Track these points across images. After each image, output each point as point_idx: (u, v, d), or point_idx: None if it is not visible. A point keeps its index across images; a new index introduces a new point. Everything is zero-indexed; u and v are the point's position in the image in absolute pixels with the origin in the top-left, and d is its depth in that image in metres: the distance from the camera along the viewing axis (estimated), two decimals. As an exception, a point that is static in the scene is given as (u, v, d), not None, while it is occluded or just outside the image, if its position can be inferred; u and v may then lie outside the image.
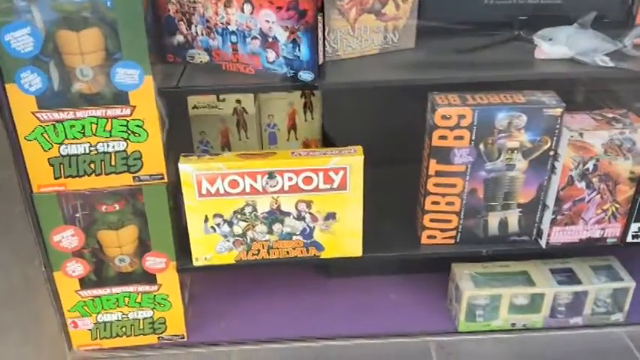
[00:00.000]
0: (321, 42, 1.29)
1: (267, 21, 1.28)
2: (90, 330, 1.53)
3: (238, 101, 1.58)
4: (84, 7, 1.19)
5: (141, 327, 1.55)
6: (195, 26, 1.36)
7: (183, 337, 1.58)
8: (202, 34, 1.37)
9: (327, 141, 1.74)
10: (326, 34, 1.38)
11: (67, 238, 1.39)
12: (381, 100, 1.69)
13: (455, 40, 1.48)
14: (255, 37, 1.31)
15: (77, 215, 1.40)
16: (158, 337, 1.57)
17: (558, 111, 1.30)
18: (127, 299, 1.50)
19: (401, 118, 1.60)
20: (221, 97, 1.57)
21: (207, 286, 1.73)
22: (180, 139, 1.59)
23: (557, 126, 1.31)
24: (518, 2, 1.46)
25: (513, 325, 1.58)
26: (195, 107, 1.60)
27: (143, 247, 1.45)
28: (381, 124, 1.84)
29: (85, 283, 1.47)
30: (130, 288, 1.49)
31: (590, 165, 1.35)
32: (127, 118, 1.28)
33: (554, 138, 1.33)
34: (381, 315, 1.64)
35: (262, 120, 1.67)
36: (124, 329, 1.54)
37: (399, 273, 1.77)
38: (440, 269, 1.66)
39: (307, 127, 1.70)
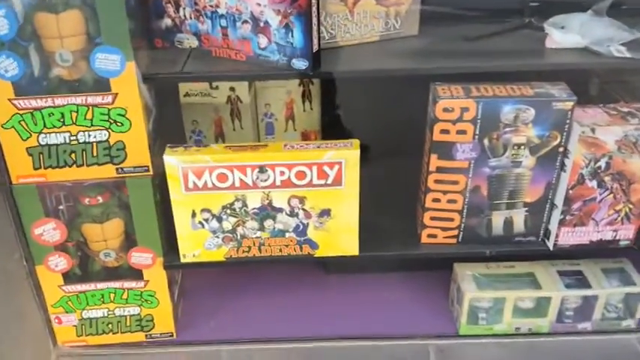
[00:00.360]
0: (315, 28, 1.20)
1: (259, 4, 1.20)
2: (75, 326, 1.47)
3: (232, 89, 1.51)
4: (62, -11, 1.12)
5: (128, 324, 1.49)
6: (184, 9, 1.29)
7: (172, 335, 1.52)
8: (191, 18, 1.29)
9: (327, 132, 1.66)
10: (322, 19, 1.30)
11: (49, 231, 1.33)
12: (384, 89, 1.62)
13: (461, 27, 1.40)
14: (245, 22, 1.23)
15: (60, 207, 1.33)
16: (146, 335, 1.51)
17: (569, 104, 1.21)
18: (112, 295, 1.44)
19: (405, 108, 1.51)
20: (214, 84, 1.50)
21: (199, 282, 1.66)
22: (172, 128, 1.53)
23: (568, 121, 1.23)
24: (530, -14, 1.36)
25: (518, 329, 1.50)
26: (186, 95, 1.52)
27: (130, 241, 1.38)
28: (384, 115, 1.76)
29: (69, 277, 1.41)
30: (116, 284, 1.43)
31: (602, 163, 1.26)
32: (109, 107, 1.21)
33: (564, 133, 1.24)
34: (379, 315, 1.57)
35: (259, 109, 1.59)
36: (110, 326, 1.48)
37: (399, 270, 1.70)
38: (442, 267, 1.58)
39: (306, 117, 1.62)
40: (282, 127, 1.62)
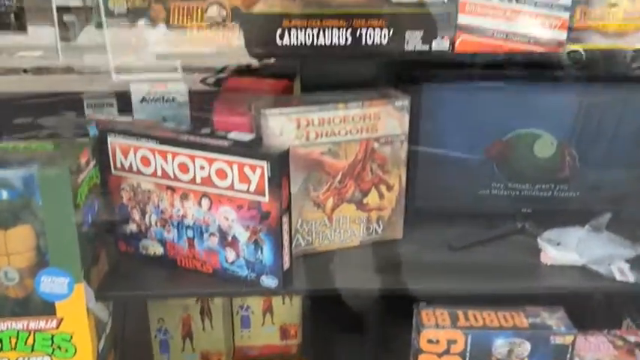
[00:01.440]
0: (287, 244, 1.11)
1: (227, 218, 1.11)
2: None
3: (204, 287, 1.39)
4: (13, 205, 1.03)
5: None
6: (150, 216, 1.20)
7: None
8: (157, 225, 1.20)
9: (308, 325, 1.53)
10: (298, 226, 1.21)
11: None
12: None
13: (448, 231, 1.30)
14: (213, 234, 1.14)
15: None
16: None
17: (569, 339, 1.08)
18: None
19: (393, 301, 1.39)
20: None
21: None
22: (136, 327, 1.41)
23: (568, 355, 1.09)
24: (522, 194, 1.28)
25: None
26: (154, 292, 1.41)
27: None
28: (371, 306, 1.64)
29: None
30: None
31: (609, 404, 1.11)
32: (52, 332, 1.08)
33: (565, 369, 1.10)
34: None
35: (234, 302, 1.47)
36: None
37: None
38: None
39: (285, 310, 1.50)
40: (259, 320, 1.50)
